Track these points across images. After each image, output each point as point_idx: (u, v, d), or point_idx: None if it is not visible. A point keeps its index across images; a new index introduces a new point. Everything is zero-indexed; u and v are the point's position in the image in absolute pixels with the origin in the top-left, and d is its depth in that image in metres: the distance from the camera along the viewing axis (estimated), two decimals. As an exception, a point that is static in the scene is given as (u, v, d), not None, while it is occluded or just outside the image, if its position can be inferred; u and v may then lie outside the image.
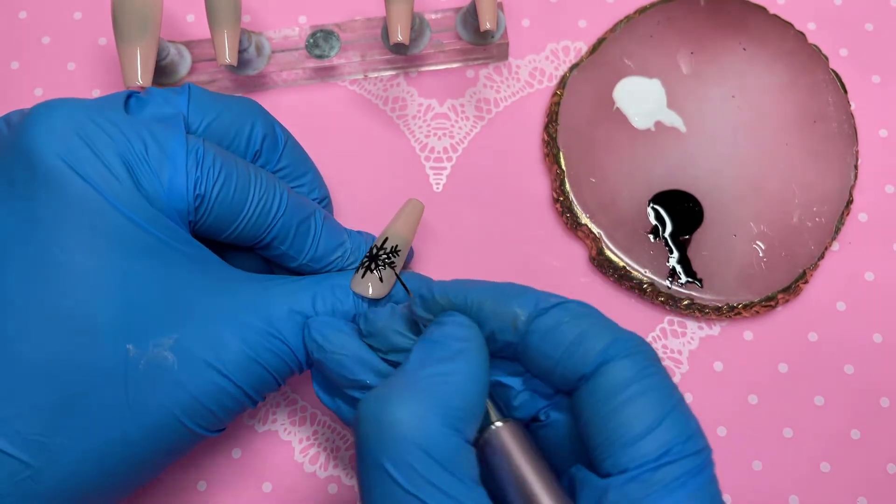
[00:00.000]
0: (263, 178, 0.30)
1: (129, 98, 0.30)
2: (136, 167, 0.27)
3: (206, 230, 0.29)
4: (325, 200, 0.34)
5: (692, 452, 0.24)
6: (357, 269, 0.31)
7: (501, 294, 0.27)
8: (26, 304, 0.26)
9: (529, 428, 0.28)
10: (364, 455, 0.24)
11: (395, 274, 0.31)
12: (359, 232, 0.33)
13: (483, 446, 0.26)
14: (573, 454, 0.26)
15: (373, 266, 0.31)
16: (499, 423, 0.26)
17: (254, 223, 0.29)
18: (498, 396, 0.29)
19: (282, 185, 0.30)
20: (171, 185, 0.27)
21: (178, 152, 0.28)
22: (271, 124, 0.32)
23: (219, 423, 0.29)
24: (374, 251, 0.31)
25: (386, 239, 0.31)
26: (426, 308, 0.28)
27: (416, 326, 0.28)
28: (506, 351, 0.27)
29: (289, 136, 0.33)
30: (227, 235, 0.29)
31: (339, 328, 0.29)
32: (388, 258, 0.31)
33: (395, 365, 0.29)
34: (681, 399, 0.25)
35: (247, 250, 0.32)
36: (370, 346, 0.29)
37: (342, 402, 0.30)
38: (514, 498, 0.24)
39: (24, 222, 0.26)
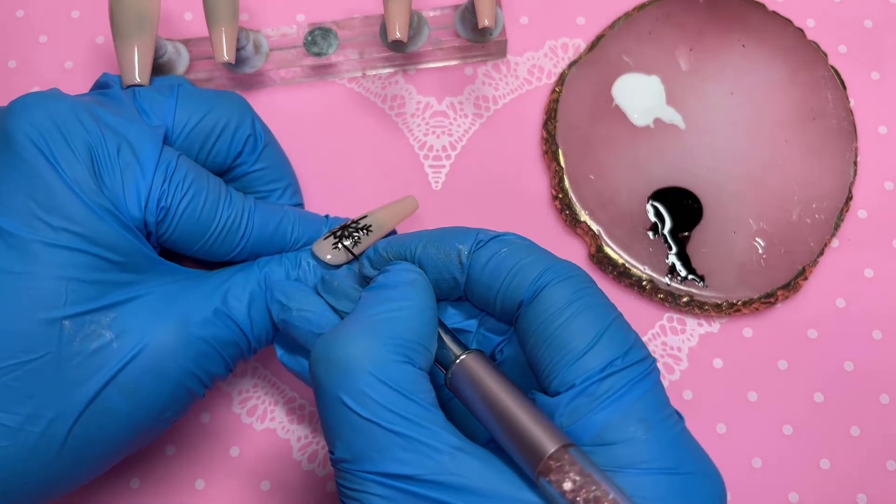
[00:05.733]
0: (234, 197, 0.30)
1: (115, 90, 0.31)
2: (102, 164, 0.27)
3: (172, 244, 0.30)
4: (298, 207, 0.34)
5: (634, 362, 0.25)
6: (324, 234, 0.32)
7: (442, 235, 0.28)
8: None
9: None
10: (321, 394, 0.25)
11: (350, 251, 0.31)
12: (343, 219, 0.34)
13: (453, 380, 0.26)
14: (528, 384, 0.27)
15: (338, 233, 0.31)
16: (463, 356, 0.26)
17: (222, 240, 0.30)
18: None
19: (249, 203, 0.31)
20: (132, 190, 0.28)
21: (149, 161, 0.28)
22: (254, 124, 0.32)
23: (164, 410, 0.28)
24: (348, 223, 0.32)
25: (364, 217, 0.32)
26: (373, 266, 0.29)
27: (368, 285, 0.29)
28: (455, 291, 0.28)
29: (270, 140, 0.33)
30: (196, 251, 0.30)
31: (300, 288, 0.30)
32: (356, 233, 0.31)
33: None
34: (618, 315, 0.26)
35: None
36: (330, 306, 0.30)
37: (305, 362, 0.30)
38: (490, 422, 0.25)
39: None
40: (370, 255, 0.29)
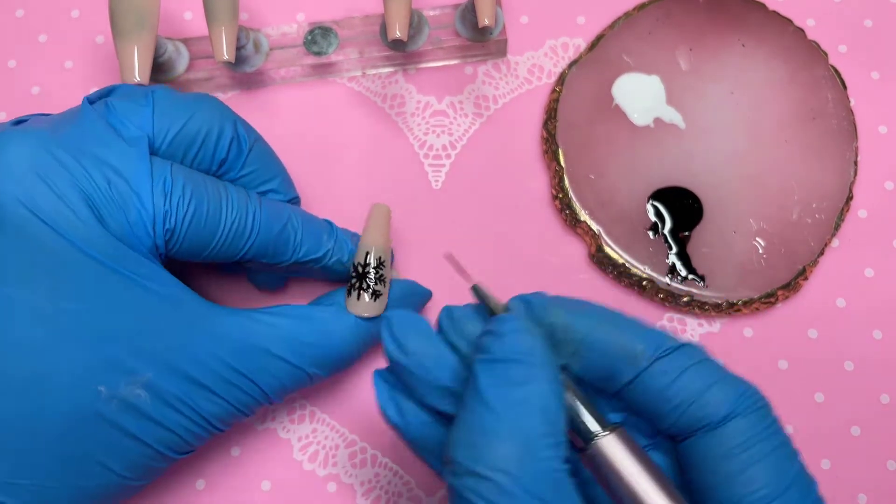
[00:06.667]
0: (234, 199, 0.29)
1: (86, 112, 0.29)
2: (99, 204, 0.26)
3: (181, 257, 0.29)
4: (293, 201, 0.34)
5: None
6: (348, 291, 0.31)
7: (619, 324, 0.25)
8: None
9: None
10: None
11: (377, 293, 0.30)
12: (343, 230, 0.33)
13: (592, 458, 0.25)
14: None
15: (364, 285, 0.31)
16: (605, 433, 0.24)
17: (228, 245, 0.29)
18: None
19: (253, 202, 0.30)
20: (137, 221, 0.27)
21: (143, 185, 0.27)
22: (236, 128, 0.31)
23: (191, 447, 0.29)
24: (361, 269, 0.31)
25: (367, 253, 0.31)
26: (530, 316, 0.26)
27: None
28: (611, 386, 0.26)
29: (255, 140, 0.32)
30: (204, 258, 0.29)
31: (419, 325, 0.26)
32: (378, 273, 0.31)
33: None
34: (800, 461, 0.24)
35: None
36: (452, 347, 0.26)
37: (412, 416, 0.27)
38: None
39: None
40: (532, 302, 0.26)
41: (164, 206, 0.27)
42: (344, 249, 0.32)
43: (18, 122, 0.29)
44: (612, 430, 0.25)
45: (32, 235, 0.26)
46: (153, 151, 0.29)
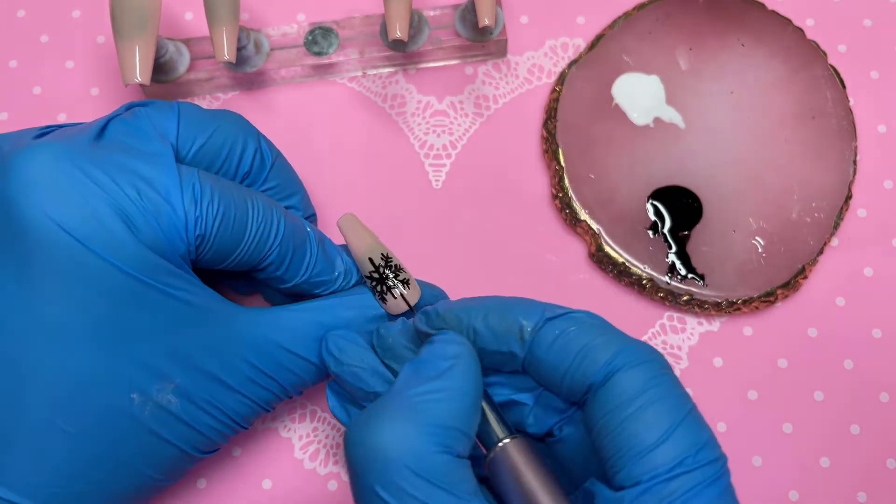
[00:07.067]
0: (260, 205, 0.29)
1: (110, 122, 0.29)
2: (131, 215, 0.26)
3: (204, 264, 0.29)
4: (311, 218, 0.34)
5: (706, 463, 0.24)
6: (381, 299, 0.31)
7: (506, 307, 0.27)
8: (30, 366, 0.26)
9: (545, 442, 0.28)
10: (355, 479, 0.25)
11: (406, 301, 0.31)
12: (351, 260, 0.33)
13: (491, 464, 0.26)
14: (588, 468, 0.26)
15: (391, 283, 0.31)
16: (506, 440, 0.26)
17: (252, 253, 0.29)
18: (511, 413, 0.29)
19: (278, 211, 0.30)
20: (170, 228, 0.27)
21: (173, 193, 0.27)
22: (260, 143, 0.32)
23: (217, 446, 0.30)
24: (377, 275, 0.31)
25: (370, 259, 0.31)
26: (429, 324, 0.28)
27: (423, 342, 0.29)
28: (514, 364, 0.27)
29: (277, 155, 0.33)
30: (227, 264, 0.29)
31: (355, 341, 0.30)
32: (392, 266, 0.31)
33: None
34: (693, 408, 0.25)
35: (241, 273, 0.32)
36: (382, 362, 0.29)
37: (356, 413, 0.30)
38: None
39: (17, 284, 0.26)
40: (429, 312, 0.28)
41: (196, 211, 0.27)
42: (351, 278, 0.32)
43: (42, 133, 0.29)
44: (512, 438, 0.26)
45: (63, 252, 0.26)
46: (178, 162, 0.29)
